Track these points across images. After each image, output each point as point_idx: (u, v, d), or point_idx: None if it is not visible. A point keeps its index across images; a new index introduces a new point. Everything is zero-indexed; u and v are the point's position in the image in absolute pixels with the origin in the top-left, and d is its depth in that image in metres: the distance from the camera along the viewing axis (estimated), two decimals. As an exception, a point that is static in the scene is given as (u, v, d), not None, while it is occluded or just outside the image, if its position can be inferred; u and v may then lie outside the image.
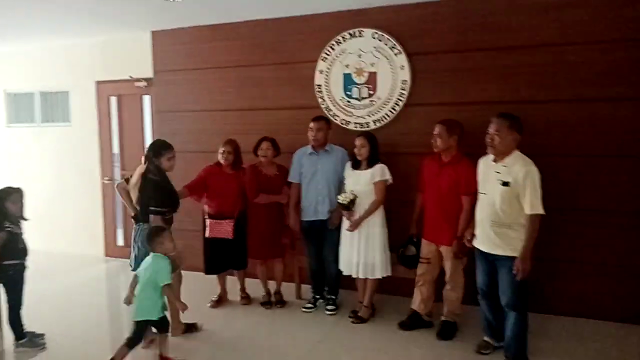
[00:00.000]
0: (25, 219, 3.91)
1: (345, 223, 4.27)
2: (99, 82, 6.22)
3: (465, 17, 4.45)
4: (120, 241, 6.35)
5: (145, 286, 3.44)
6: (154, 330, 3.63)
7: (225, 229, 4.45)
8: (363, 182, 4.15)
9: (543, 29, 4.21)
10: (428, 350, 3.83)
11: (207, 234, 4.51)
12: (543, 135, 4.19)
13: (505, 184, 3.32)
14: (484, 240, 3.51)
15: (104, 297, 5.33)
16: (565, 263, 4.26)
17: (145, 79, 5.88)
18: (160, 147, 3.91)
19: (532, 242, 3.28)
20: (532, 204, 3.27)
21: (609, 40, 4.03)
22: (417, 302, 4.17)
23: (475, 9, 4.41)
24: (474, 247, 3.65)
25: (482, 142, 4.21)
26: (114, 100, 6.20)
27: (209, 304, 4.69)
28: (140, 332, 3.50)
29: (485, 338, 3.77)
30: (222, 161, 4.51)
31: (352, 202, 4.12)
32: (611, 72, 4.04)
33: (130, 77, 5.92)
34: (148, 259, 3.52)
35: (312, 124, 4.40)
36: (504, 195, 3.33)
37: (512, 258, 3.33)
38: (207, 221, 4.51)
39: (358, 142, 4.16)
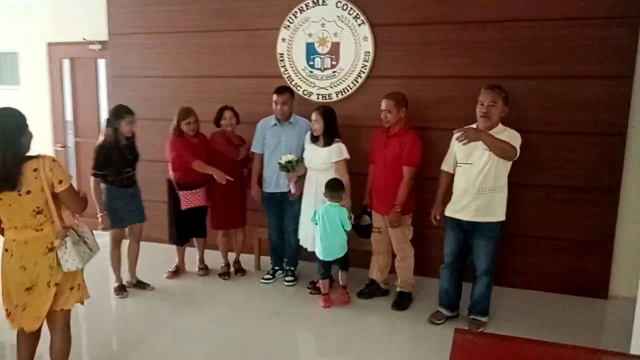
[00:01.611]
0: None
1: (306, 194, 4.25)
2: (50, 44, 5.93)
3: (428, -11, 4.40)
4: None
5: (337, 231, 3.93)
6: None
7: (198, 197, 4.44)
8: (319, 160, 4.12)
9: (509, 4, 4.19)
10: (382, 320, 3.91)
11: (182, 206, 4.42)
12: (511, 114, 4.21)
13: None
14: (467, 209, 3.59)
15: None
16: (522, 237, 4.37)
17: (100, 42, 5.63)
18: (120, 110, 4.02)
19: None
20: (514, 143, 3.45)
21: (571, 18, 4.06)
22: (374, 270, 4.27)
23: (438, -20, 4.36)
24: (446, 219, 3.76)
25: (444, 116, 4.28)
26: (66, 63, 5.92)
27: (165, 275, 4.64)
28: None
29: (440, 308, 3.88)
30: (189, 132, 4.38)
31: (290, 163, 4.10)
32: (577, 49, 4.07)
33: (84, 39, 5.65)
34: (329, 208, 3.93)
35: (276, 97, 4.29)
36: (493, 162, 3.47)
37: (492, 225, 3.55)
38: (180, 193, 4.41)
39: (313, 117, 4.11)
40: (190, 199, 4.44)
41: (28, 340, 2.83)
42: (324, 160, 4.09)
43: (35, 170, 2.61)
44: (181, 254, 4.72)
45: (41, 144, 5.96)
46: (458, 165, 3.71)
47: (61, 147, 6.03)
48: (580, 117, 4.12)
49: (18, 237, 2.64)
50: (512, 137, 3.49)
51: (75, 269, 2.71)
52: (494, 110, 3.52)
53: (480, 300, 3.71)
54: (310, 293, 4.30)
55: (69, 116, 5.99)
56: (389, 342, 3.67)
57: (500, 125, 3.58)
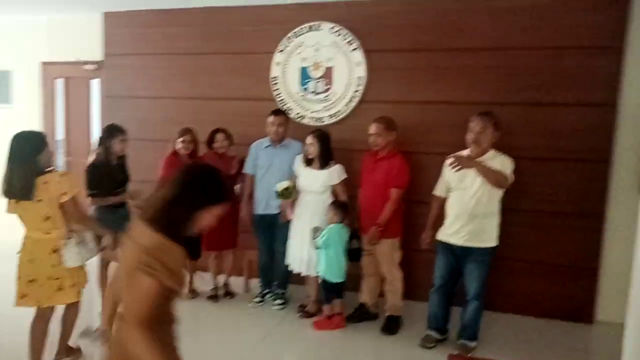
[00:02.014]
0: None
1: (297, 217, 4.25)
2: (44, 63, 5.95)
3: (420, 17, 4.50)
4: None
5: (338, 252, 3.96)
6: None
7: None
8: (318, 183, 4.13)
9: (498, 32, 4.31)
10: (373, 344, 3.88)
11: None
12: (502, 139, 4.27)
13: None
14: (460, 234, 3.63)
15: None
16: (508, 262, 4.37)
17: (95, 62, 5.66)
18: (113, 129, 4.02)
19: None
20: (506, 171, 3.54)
21: (557, 47, 4.17)
22: (364, 293, 4.28)
23: (430, 9, 4.46)
24: (438, 243, 3.80)
25: (434, 141, 4.33)
26: (60, 82, 5.94)
27: None
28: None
29: (430, 332, 3.87)
30: (183, 150, 4.41)
31: (287, 190, 4.11)
32: (563, 77, 4.17)
33: (79, 59, 5.69)
34: (339, 230, 3.97)
35: (272, 118, 4.33)
36: (485, 186, 3.52)
37: (484, 250, 3.58)
38: None
39: (308, 140, 4.13)
40: None
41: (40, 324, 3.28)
42: (323, 183, 4.11)
43: (45, 183, 3.05)
44: None
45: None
46: (451, 190, 3.76)
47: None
48: (566, 144, 4.20)
49: (31, 235, 3.17)
50: (504, 164, 3.55)
51: (74, 266, 3.18)
52: (483, 137, 3.59)
53: (470, 325, 3.72)
54: (300, 317, 4.27)
55: (60, 135, 5.97)
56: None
57: (491, 151, 3.64)
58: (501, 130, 3.66)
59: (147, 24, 5.34)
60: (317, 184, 4.12)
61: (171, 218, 1.86)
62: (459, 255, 3.70)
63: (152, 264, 1.78)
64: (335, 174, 4.12)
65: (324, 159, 4.13)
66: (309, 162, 4.19)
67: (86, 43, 5.64)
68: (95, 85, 5.79)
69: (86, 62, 5.68)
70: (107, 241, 3.65)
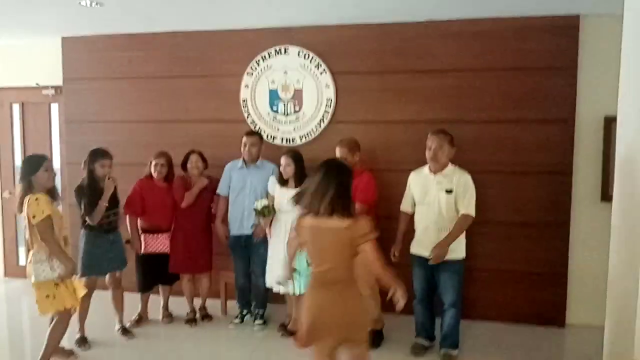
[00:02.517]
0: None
1: (274, 236, 4.28)
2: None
3: (384, 41, 4.67)
4: (22, 260, 5.85)
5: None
6: None
7: (162, 242, 4.39)
8: (275, 209, 4.21)
9: (458, 55, 4.53)
10: None
11: (142, 250, 4.36)
12: (458, 153, 4.47)
13: (449, 191, 3.69)
14: (429, 246, 3.76)
15: (3, 319, 4.89)
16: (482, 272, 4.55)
17: (54, 87, 5.52)
18: (95, 153, 4.07)
19: (454, 238, 3.68)
20: (468, 205, 3.71)
21: (517, 68, 4.43)
22: None
23: (393, 32, 4.65)
24: (413, 256, 3.95)
25: (402, 158, 4.47)
26: (16, 107, 5.75)
27: (127, 324, 4.43)
28: None
29: (419, 340, 4.05)
30: (154, 174, 4.40)
31: (266, 207, 4.15)
32: (521, 96, 4.44)
33: (37, 84, 5.53)
34: None
35: (245, 139, 4.38)
36: (449, 201, 3.72)
37: (454, 261, 3.74)
38: (142, 236, 4.37)
39: (283, 161, 4.18)
40: (150, 244, 4.39)
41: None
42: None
43: (27, 202, 3.40)
44: (144, 302, 4.60)
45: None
46: (417, 204, 3.95)
47: (10, 193, 5.76)
48: (529, 158, 4.45)
49: None
50: (467, 191, 3.71)
51: (32, 280, 3.47)
52: (441, 153, 3.81)
53: (450, 333, 3.86)
54: (282, 336, 4.28)
55: (18, 161, 5.76)
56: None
57: (450, 166, 3.85)
58: (455, 146, 3.89)
59: (108, 49, 5.28)
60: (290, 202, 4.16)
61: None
62: (432, 267, 3.84)
63: (364, 235, 2.60)
64: None
65: (300, 178, 4.18)
66: (283, 182, 4.24)
67: (44, 67, 5.51)
68: (55, 110, 5.64)
69: (45, 87, 5.53)
70: (64, 270, 3.49)
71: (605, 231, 4.30)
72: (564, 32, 4.33)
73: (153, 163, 4.39)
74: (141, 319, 4.57)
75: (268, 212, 4.17)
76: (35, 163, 3.51)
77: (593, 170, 4.41)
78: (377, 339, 4.11)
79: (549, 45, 4.36)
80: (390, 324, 4.38)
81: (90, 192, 4.00)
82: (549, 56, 4.37)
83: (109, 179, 4.06)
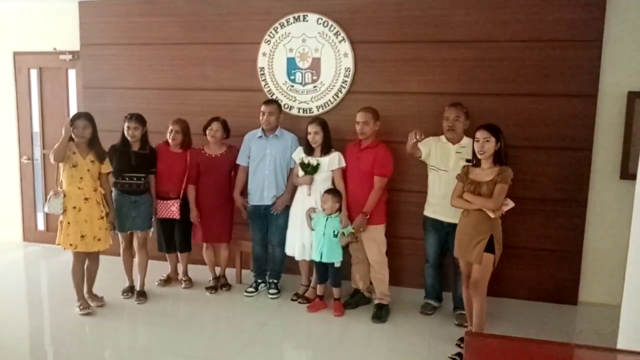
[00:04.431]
0: None
1: (294, 207, 4.32)
2: (16, 53, 5.75)
3: (406, 9, 4.57)
4: (40, 225, 5.96)
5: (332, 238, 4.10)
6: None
7: (170, 209, 4.40)
8: (320, 170, 4.19)
9: (480, 26, 4.43)
10: (370, 329, 3.99)
11: (156, 215, 4.44)
12: (476, 126, 4.42)
13: (469, 161, 3.68)
14: (446, 211, 3.87)
15: (23, 283, 5.00)
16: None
17: (71, 52, 5.51)
18: (127, 116, 4.29)
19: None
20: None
21: (539, 40, 4.32)
22: (356, 279, 4.40)
23: (414, 1, 4.54)
24: (427, 219, 4.12)
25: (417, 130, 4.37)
26: (34, 73, 5.75)
27: (156, 283, 4.66)
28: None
29: (428, 301, 4.28)
30: (170, 140, 4.43)
31: (315, 168, 4.17)
32: (543, 69, 4.33)
33: (55, 49, 5.52)
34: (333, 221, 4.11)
35: (263, 107, 4.36)
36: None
37: None
38: (156, 201, 4.43)
39: (312, 129, 4.18)
40: (162, 209, 4.44)
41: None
42: (324, 169, 4.18)
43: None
44: (173, 263, 4.76)
45: (6, 155, 5.83)
46: (432, 168, 4.05)
47: (27, 159, 5.83)
48: (548, 133, 4.37)
49: None
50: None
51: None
52: (458, 124, 4.00)
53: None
54: (299, 302, 4.36)
55: (36, 127, 5.80)
56: (381, 354, 3.74)
57: (465, 138, 3.97)
58: (470, 118, 4.02)
59: (126, 14, 5.23)
60: (320, 170, 4.19)
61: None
62: (447, 230, 3.97)
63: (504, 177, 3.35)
64: (336, 159, 4.20)
65: (326, 147, 4.20)
66: (310, 151, 4.24)
67: (62, 32, 5.50)
68: (72, 75, 5.64)
69: (62, 52, 5.52)
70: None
71: (623, 209, 4.32)
72: (591, 3, 4.20)
73: (169, 129, 4.42)
74: (170, 279, 4.76)
75: (314, 170, 4.19)
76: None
77: (614, 146, 4.33)
78: (383, 313, 4.14)
79: (574, 17, 4.24)
80: (404, 298, 4.44)
81: (122, 155, 4.24)
82: (574, 28, 4.25)
83: (144, 144, 4.35)
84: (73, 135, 3.90)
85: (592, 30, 4.22)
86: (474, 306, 3.47)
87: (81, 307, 4.07)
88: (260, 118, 4.37)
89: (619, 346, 2.63)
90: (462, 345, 3.66)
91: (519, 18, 4.35)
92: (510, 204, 3.47)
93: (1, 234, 6.01)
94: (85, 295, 4.19)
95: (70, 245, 3.92)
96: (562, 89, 4.31)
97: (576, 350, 2.05)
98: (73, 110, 5.65)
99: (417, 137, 3.81)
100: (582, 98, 4.29)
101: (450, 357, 3.52)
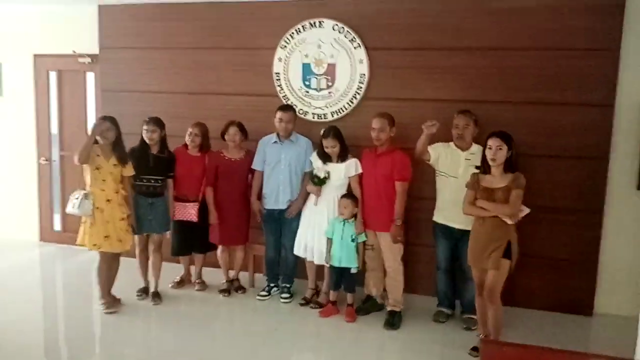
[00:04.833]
0: None
1: (307, 209, 4.36)
2: (37, 56, 5.84)
3: (422, 16, 4.58)
4: (57, 226, 6.04)
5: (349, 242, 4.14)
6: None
7: (189, 212, 4.45)
8: (336, 176, 4.23)
9: (496, 33, 4.42)
10: (382, 336, 3.99)
11: (174, 217, 4.49)
12: (485, 133, 4.39)
13: (478, 167, 3.66)
14: (456, 217, 3.91)
15: (38, 282, 5.06)
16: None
17: (90, 55, 5.59)
18: (146, 119, 4.38)
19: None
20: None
21: (555, 48, 4.30)
22: (369, 286, 4.41)
23: (430, 8, 4.55)
24: (437, 226, 4.15)
25: (433, 137, 4.34)
26: (53, 75, 5.84)
27: (170, 285, 4.71)
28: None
29: (441, 308, 4.28)
30: (188, 143, 4.48)
31: (325, 180, 4.23)
32: (560, 78, 4.31)
33: (74, 52, 5.61)
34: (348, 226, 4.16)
35: (281, 114, 4.37)
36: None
37: None
38: (174, 203, 4.47)
39: (328, 143, 4.20)
40: (179, 211, 4.48)
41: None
42: (340, 176, 4.21)
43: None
44: (186, 266, 4.82)
45: (24, 156, 5.92)
46: (441, 173, 4.09)
47: (45, 160, 5.91)
48: (564, 142, 4.35)
49: None
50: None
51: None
52: (468, 132, 4.03)
53: (472, 301, 3.91)
54: (311, 307, 4.38)
55: (54, 129, 5.88)
56: (394, 358, 3.77)
57: (474, 145, 3.99)
58: (479, 126, 4.06)
59: (145, 18, 5.29)
60: (335, 177, 4.23)
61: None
62: (457, 237, 4.02)
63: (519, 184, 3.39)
64: (352, 166, 4.23)
65: (343, 154, 4.25)
66: (325, 158, 4.28)
67: (81, 35, 5.58)
68: (91, 78, 5.72)
69: (81, 55, 5.60)
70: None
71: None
72: (609, 11, 4.17)
73: (188, 132, 4.47)
74: (183, 281, 4.80)
75: (323, 181, 4.25)
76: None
77: (630, 157, 4.29)
78: (396, 320, 4.14)
79: (591, 25, 4.21)
80: (416, 305, 4.43)
81: (140, 158, 4.30)
82: (591, 37, 4.22)
83: (163, 148, 4.43)
84: (97, 138, 3.98)
85: (609, 39, 4.20)
86: (490, 314, 3.47)
87: (106, 306, 4.14)
88: (277, 125, 4.40)
89: (637, 358, 2.60)
90: (474, 354, 3.65)
91: (536, 26, 4.33)
92: (526, 210, 3.47)
93: (18, 234, 6.09)
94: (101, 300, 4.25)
95: (94, 245, 3.98)
96: (579, 98, 4.29)
97: (591, 362, 2.04)
98: (91, 113, 5.75)
99: (431, 124, 3.88)
100: (599, 107, 4.26)
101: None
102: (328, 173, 4.23)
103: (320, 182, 4.25)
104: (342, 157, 4.23)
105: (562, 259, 4.43)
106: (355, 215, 4.16)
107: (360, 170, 4.24)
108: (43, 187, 6.00)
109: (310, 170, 4.37)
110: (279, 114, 4.38)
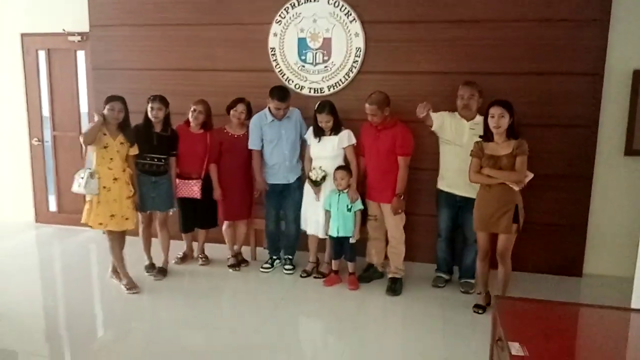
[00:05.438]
0: None
1: (308, 186, 4.44)
2: (24, 35, 5.74)
3: (416, -11, 4.63)
4: (52, 207, 6.02)
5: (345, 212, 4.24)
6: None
7: (192, 189, 4.49)
8: (329, 148, 4.31)
9: (488, 6, 4.50)
10: (384, 302, 4.14)
11: (176, 194, 4.52)
12: (485, 104, 4.51)
13: (481, 137, 3.78)
14: (460, 185, 4.08)
15: (36, 264, 5.07)
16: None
17: (80, 33, 5.52)
18: (151, 97, 4.36)
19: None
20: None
21: (546, 19, 4.41)
22: (371, 254, 4.54)
23: (426, -18, 4.60)
24: (441, 193, 4.28)
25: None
26: (42, 54, 5.76)
27: (173, 261, 4.77)
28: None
29: (440, 274, 4.47)
30: (191, 120, 4.48)
31: (323, 179, 4.32)
32: (551, 48, 4.42)
33: (64, 30, 5.53)
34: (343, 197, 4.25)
35: (277, 103, 4.34)
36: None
37: None
38: (177, 180, 4.49)
39: (323, 119, 4.26)
40: (182, 189, 4.52)
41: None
42: (334, 147, 4.30)
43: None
44: (189, 242, 4.87)
45: (16, 138, 5.86)
46: (446, 142, 4.17)
47: (38, 141, 5.86)
48: (555, 111, 4.49)
49: None
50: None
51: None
52: (473, 102, 4.11)
53: (471, 266, 4.19)
54: (315, 277, 4.51)
55: (46, 109, 5.82)
56: (398, 324, 3.91)
57: (478, 116, 4.05)
58: (483, 97, 4.12)
59: (136, -6, 5.24)
60: (329, 149, 4.32)
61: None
62: (460, 205, 4.17)
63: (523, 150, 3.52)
64: (345, 137, 4.32)
65: (336, 128, 4.34)
66: (319, 132, 4.35)
67: (70, 13, 5.50)
68: (81, 56, 5.66)
69: (71, 33, 5.53)
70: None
71: (627, 185, 4.47)
72: (599, -18, 4.29)
73: (191, 109, 4.48)
74: (186, 257, 4.87)
75: (323, 182, 4.34)
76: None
77: (618, 124, 4.46)
78: (398, 286, 4.28)
79: (582, -4, 4.33)
80: (416, 272, 4.58)
81: (144, 136, 4.28)
82: (582, 7, 4.34)
83: (166, 127, 4.41)
84: (107, 117, 3.97)
85: (599, 10, 4.32)
86: (501, 272, 3.72)
87: (128, 287, 4.18)
88: (275, 112, 4.41)
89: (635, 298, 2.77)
90: (479, 311, 3.83)
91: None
92: (530, 175, 3.63)
93: (13, 216, 6.06)
94: (110, 274, 4.30)
95: (100, 224, 4.00)
96: (569, 68, 4.42)
97: (602, 311, 2.16)
98: (82, 92, 5.70)
99: (425, 109, 3.99)
100: (589, 76, 4.40)
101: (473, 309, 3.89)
102: (324, 174, 4.31)
103: (317, 184, 4.34)
104: (335, 131, 4.31)
105: (553, 223, 4.62)
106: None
107: (353, 141, 4.33)
108: (36, 168, 5.96)
109: (307, 179, 4.41)
110: (276, 103, 4.35)
